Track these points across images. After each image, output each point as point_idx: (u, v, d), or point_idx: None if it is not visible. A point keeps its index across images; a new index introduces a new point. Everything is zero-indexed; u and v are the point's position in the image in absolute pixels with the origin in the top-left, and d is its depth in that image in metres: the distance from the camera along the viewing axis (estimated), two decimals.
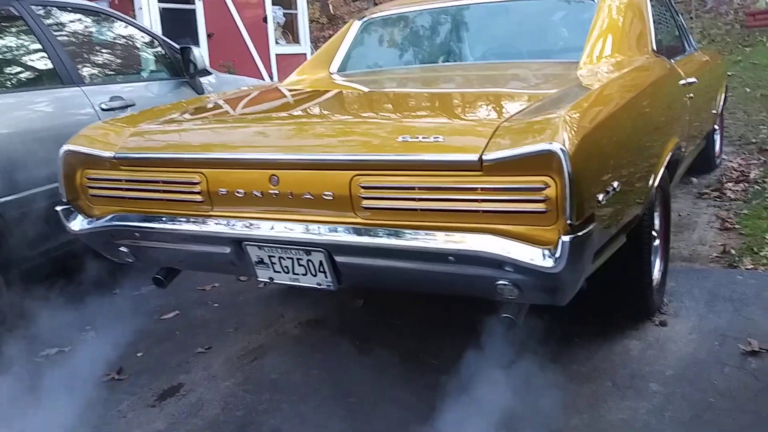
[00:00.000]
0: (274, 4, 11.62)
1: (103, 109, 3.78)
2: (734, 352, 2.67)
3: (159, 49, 4.53)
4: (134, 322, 3.33)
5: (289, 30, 12.50)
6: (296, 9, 12.36)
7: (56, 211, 2.57)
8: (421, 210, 1.94)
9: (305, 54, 12.44)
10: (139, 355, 3.07)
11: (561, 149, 1.71)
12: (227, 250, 2.29)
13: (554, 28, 3.28)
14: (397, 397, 2.51)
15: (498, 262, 1.84)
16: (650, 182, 2.55)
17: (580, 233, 1.75)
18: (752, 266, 3.55)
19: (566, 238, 1.74)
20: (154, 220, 2.38)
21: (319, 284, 2.20)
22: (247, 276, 2.45)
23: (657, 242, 2.95)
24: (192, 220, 2.31)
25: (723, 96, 5.36)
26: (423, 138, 1.93)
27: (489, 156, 1.80)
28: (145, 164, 2.38)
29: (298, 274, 2.22)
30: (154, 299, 3.69)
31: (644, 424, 2.26)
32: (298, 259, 2.18)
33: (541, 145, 1.73)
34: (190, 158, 2.27)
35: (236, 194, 2.19)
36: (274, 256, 2.22)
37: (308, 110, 2.68)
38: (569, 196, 1.72)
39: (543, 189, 1.77)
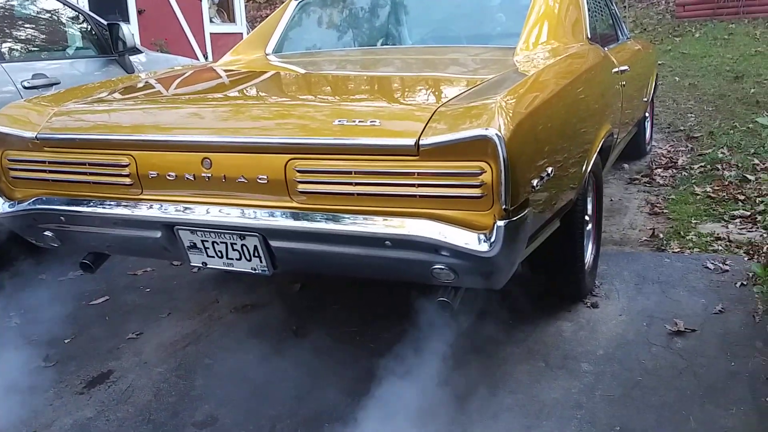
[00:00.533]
0: None
1: (25, 87, 3.62)
2: (661, 333, 2.76)
3: (85, 24, 4.35)
4: (61, 308, 3.23)
5: (224, 8, 12.21)
6: None
7: None
8: (358, 194, 1.92)
9: (241, 33, 12.20)
10: (66, 341, 2.96)
11: (496, 135, 1.71)
12: (158, 234, 2.23)
13: (492, 13, 3.29)
14: (333, 382, 2.50)
15: (434, 247, 1.84)
16: (583, 168, 2.60)
17: (514, 218, 1.77)
18: (679, 249, 3.67)
19: (501, 223, 1.75)
20: (81, 203, 2.29)
21: (254, 269, 2.16)
22: (179, 261, 2.39)
23: (589, 227, 3.02)
24: (121, 203, 2.23)
25: (653, 84, 5.51)
26: (359, 122, 1.91)
27: (426, 141, 1.79)
28: (70, 145, 2.28)
29: (232, 259, 2.18)
30: (82, 284, 3.58)
31: (576, 402, 2.31)
32: (232, 243, 2.13)
33: (477, 130, 1.73)
34: (118, 139, 2.19)
35: (167, 177, 2.12)
36: (207, 241, 2.17)
37: (243, 92, 2.62)
38: (504, 181, 1.73)
39: (479, 174, 1.78)
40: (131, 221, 2.22)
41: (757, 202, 4.36)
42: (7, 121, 2.38)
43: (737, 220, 4.10)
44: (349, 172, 1.91)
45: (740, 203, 4.38)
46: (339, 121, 1.93)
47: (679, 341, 2.69)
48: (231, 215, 2.07)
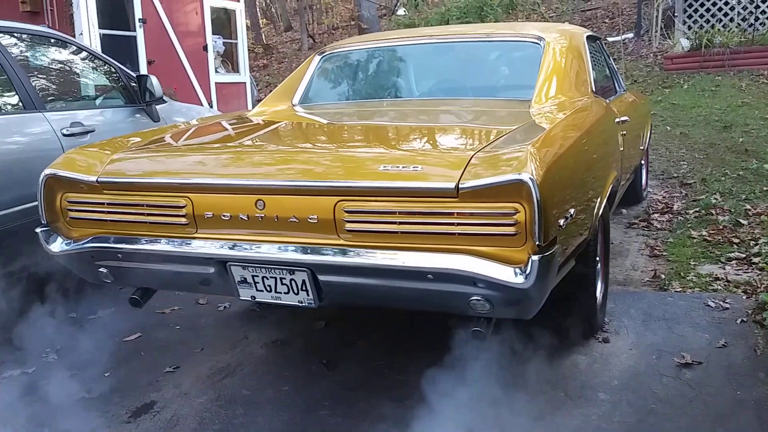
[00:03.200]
0: (214, 33, 11.71)
1: (64, 135, 3.83)
2: (670, 365, 2.95)
3: (115, 76, 4.59)
4: (96, 345, 3.37)
5: (228, 59, 12.58)
6: (236, 39, 12.47)
7: (36, 233, 2.64)
8: (401, 233, 2.13)
9: (244, 83, 12.55)
10: (106, 375, 3.11)
11: (530, 178, 1.94)
12: (211, 270, 2.41)
13: (505, 68, 3.56)
14: (366, 410, 2.66)
15: (473, 280, 2.04)
16: (595, 210, 2.82)
17: (546, 253, 1.98)
18: (681, 289, 3.88)
19: (535, 258, 1.96)
20: (138, 241, 2.48)
21: (301, 302, 2.35)
22: (228, 295, 2.57)
23: (599, 266, 3.23)
24: (176, 241, 2.42)
25: (648, 133, 5.80)
26: (403, 167, 2.12)
27: (465, 184, 2.01)
28: (129, 188, 2.48)
29: (280, 293, 2.36)
30: (113, 322, 3.73)
31: (596, 428, 2.49)
32: (281, 278, 2.32)
33: (512, 175, 1.95)
34: (177, 183, 2.40)
35: (222, 217, 2.32)
36: (257, 276, 2.36)
37: (289, 139, 2.84)
38: (537, 219, 1.95)
39: (513, 214, 2.00)
40: (186, 258, 2.42)
41: (752, 245, 4.59)
42: (68, 166, 2.59)
43: (733, 262, 4.32)
44: (394, 212, 2.12)
45: (735, 246, 4.61)
46: (384, 167, 2.15)
47: (687, 372, 2.88)
48: (281, 252, 2.26)
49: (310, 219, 2.20)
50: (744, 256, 4.39)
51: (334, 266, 2.20)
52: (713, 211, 5.42)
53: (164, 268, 2.51)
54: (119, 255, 2.52)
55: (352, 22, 20.78)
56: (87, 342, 3.41)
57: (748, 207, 5.46)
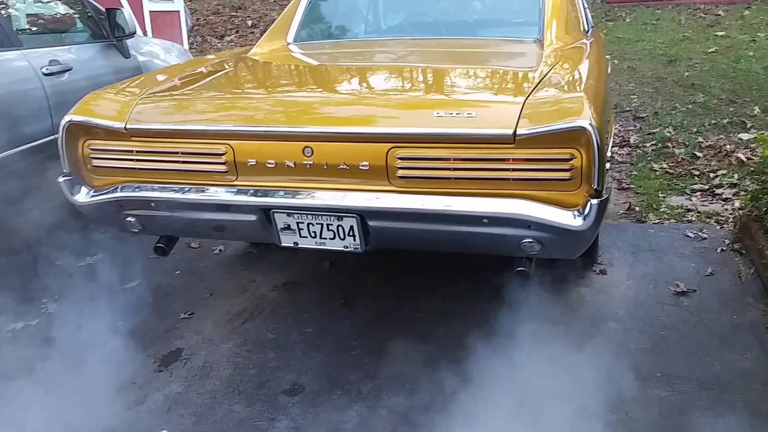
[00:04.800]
0: None
1: (44, 74, 3.63)
2: (668, 293, 3.16)
3: (84, 10, 4.34)
4: (96, 293, 3.30)
5: None
6: None
7: (58, 182, 2.53)
8: (455, 179, 2.18)
9: (178, 11, 11.98)
10: (120, 324, 3.06)
11: (590, 124, 2.00)
12: (252, 217, 2.39)
13: (509, 5, 3.57)
14: (396, 349, 2.75)
15: (528, 223, 2.12)
16: (610, 148, 2.93)
17: (603, 197, 2.08)
18: (658, 221, 4.11)
19: (594, 201, 2.05)
20: (173, 189, 2.42)
21: (347, 247, 2.38)
22: (266, 242, 2.56)
23: None
24: (216, 189, 2.38)
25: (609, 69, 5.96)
26: (457, 114, 2.15)
27: (523, 131, 2.06)
28: (161, 135, 2.40)
29: (325, 238, 2.38)
30: (105, 270, 3.64)
31: (616, 354, 2.67)
32: (328, 224, 2.34)
33: (574, 121, 2.01)
34: (217, 130, 2.33)
35: (266, 165, 2.30)
36: (302, 223, 2.36)
37: (326, 83, 2.77)
38: (596, 164, 2.03)
39: (570, 159, 2.07)
40: (227, 206, 2.38)
41: (711, 177, 4.88)
42: (91, 112, 2.47)
43: (698, 194, 4.58)
44: (448, 159, 2.16)
45: (696, 178, 4.88)
46: (437, 112, 2.17)
47: (685, 300, 3.10)
48: (331, 198, 2.27)
49: (362, 166, 2.21)
50: (707, 187, 4.66)
51: (387, 212, 2.23)
52: (669, 144, 5.68)
53: (201, 216, 2.46)
54: (152, 204, 2.46)
55: None
56: (84, 291, 3.33)
57: (701, 140, 5.75)
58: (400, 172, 2.20)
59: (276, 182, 2.34)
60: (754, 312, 2.98)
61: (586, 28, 3.65)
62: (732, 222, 3.99)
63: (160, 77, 2.88)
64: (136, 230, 2.60)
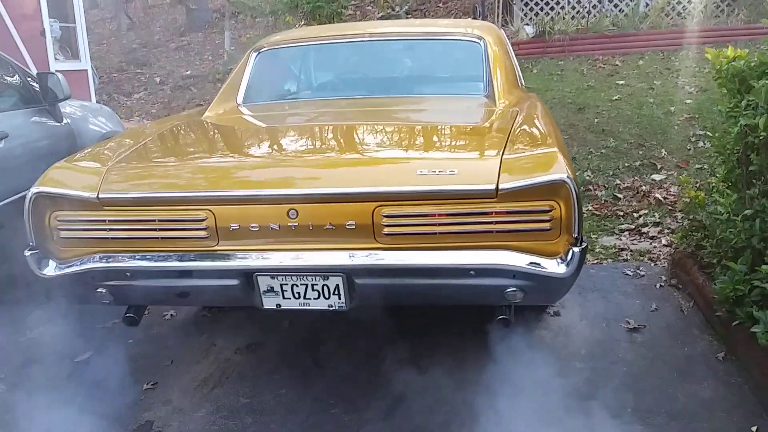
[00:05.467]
0: (50, 16, 10.77)
1: None
2: (621, 330, 3.33)
3: (14, 74, 4.20)
4: (47, 368, 3.15)
5: (67, 45, 11.63)
6: (74, 22, 11.55)
7: (25, 255, 2.42)
8: (440, 233, 2.25)
9: (86, 70, 11.69)
10: (79, 400, 2.91)
11: (568, 177, 2.14)
12: (235, 282, 2.37)
13: (455, 65, 3.72)
14: (375, 404, 2.75)
15: (513, 273, 2.21)
16: None
17: (583, 245, 2.20)
18: (596, 261, 4.33)
19: (576, 249, 2.17)
20: (152, 258, 2.37)
21: (331, 306, 2.39)
22: (245, 305, 2.52)
23: None
24: (197, 256, 2.35)
25: None
26: (440, 171, 2.24)
27: (505, 185, 2.17)
28: (137, 203, 2.36)
29: (309, 299, 2.38)
30: (52, 342, 3.47)
31: (588, 395, 2.77)
32: (313, 284, 2.35)
33: (555, 174, 2.14)
34: (197, 196, 2.32)
35: (250, 228, 2.29)
36: (286, 284, 2.36)
37: (303, 145, 2.78)
38: (576, 214, 2.16)
39: (549, 211, 2.19)
40: (208, 272, 2.35)
41: (635, 217, 5.19)
42: (60, 183, 2.40)
43: (626, 233, 4.87)
44: (433, 215, 2.24)
45: (622, 218, 5.18)
46: (420, 171, 2.25)
47: (638, 336, 3.27)
48: (317, 259, 2.29)
49: (348, 225, 2.25)
50: (633, 227, 4.96)
51: (375, 269, 2.27)
52: (591, 187, 6.00)
53: (178, 283, 2.42)
54: (128, 273, 2.39)
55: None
56: (35, 366, 3.17)
57: (618, 182, 6.12)
58: (387, 230, 2.26)
59: (259, 245, 2.33)
60: (701, 343, 3.17)
61: (522, 82, 3.86)
62: (664, 259, 4.26)
63: (123, 143, 2.82)
64: (107, 302, 2.51)
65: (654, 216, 5.13)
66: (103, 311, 3.69)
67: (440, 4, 15.73)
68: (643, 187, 5.85)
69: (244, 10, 15.39)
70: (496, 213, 2.21)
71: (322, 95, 3.70)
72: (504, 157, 2.26)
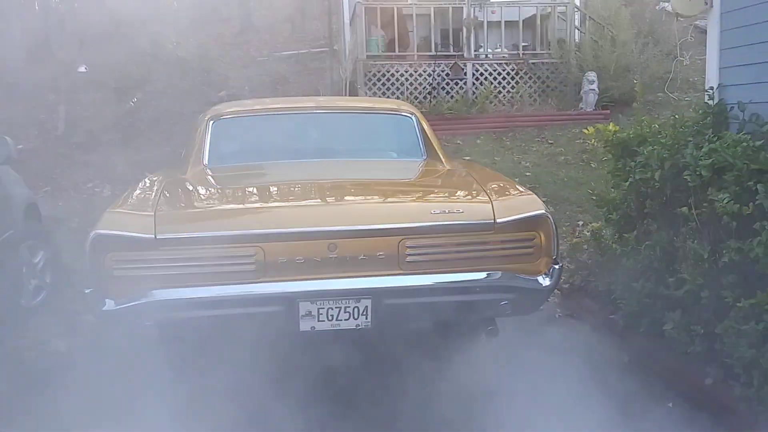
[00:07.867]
0: None
1: None
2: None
3: None
4: None
5: None
6: None
7: (84, 293, 2.62)
8: (450, 259, 2.85)
9: None
10: None
11: (547, 211, 2.86)
12: (278, 308, 2.77)
13: (393, 134, 4.34)
14: None
15: (510, 288, 2.85)
16: None
17: (560, 264, 2.91)
18: None
19: (556, 266, 2.88)
20: (205, 291, 2.69)
21: (358, 325, 2.87)
22: (282, 329, 2.86)
23: None
24: (247, 287, 2.72)
25: None
26: (449, 211, 2.87)
27: (501, 219, 2.84)
28: (193, 243, 2.69)
29: (340, 320, 2.84)
30: None
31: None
32: (345, 307, 2.81)
33: (538, 210, 2.86)
34: (249, 234, 2.71)
35: (295, 261, 2.73)
36: (323, 308, 2.80)
37: (333, 194, 3.22)
38: (554, 240, 2.86)
39: (533, 239, 2.89)
40: (256, 300, 2.73)
41: None
42: (119, 225, 2.67)
43: None
44: (445, 244, 2.84)
45: None
46: (434, 210, 2.86)
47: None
48: (352, 284, 2.78)
49: (379, 255, 2.77)
50: None
51: (399, 291, 2.80)
52: None
53: (228, 312, 2.74)
54: (181, 306, 2.68)
55: None
56: None
57: None
58: (409, 258, 2.82)
59: (300, 277, 2.76)
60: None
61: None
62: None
63: (171, 189, 3.17)
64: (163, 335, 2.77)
65: None
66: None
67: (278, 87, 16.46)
68: None
69: None
70: (493, 242, 2.86)
71: (289, 159, 4.09)
72: (494, 200, 2.93)
